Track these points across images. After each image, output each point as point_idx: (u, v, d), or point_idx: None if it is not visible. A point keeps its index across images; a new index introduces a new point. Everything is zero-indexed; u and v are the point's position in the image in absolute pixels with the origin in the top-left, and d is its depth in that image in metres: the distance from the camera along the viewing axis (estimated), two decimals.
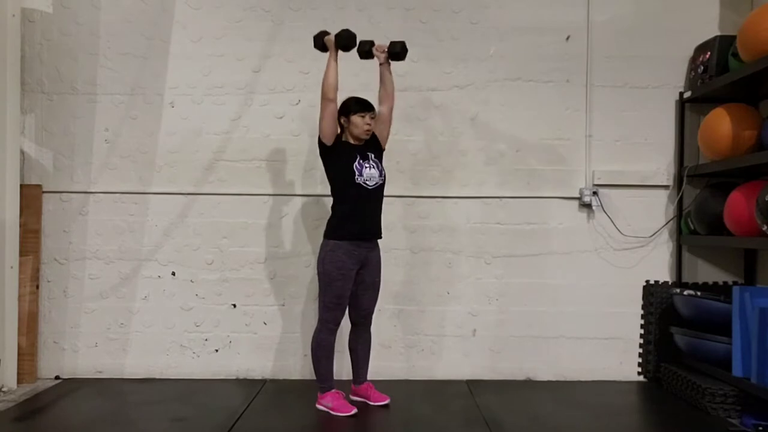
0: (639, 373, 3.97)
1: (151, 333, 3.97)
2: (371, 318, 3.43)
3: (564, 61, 3.99)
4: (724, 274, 3.99)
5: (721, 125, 3.55)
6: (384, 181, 3.33)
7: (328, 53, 3.28)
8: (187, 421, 3.17)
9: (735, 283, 3.92)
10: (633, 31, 3.99)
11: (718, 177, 3.85)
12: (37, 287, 3.92)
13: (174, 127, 3.99)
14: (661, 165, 4.00)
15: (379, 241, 3.38)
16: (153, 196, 3.99)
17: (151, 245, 3.98)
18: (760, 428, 3.04)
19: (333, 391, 3.30)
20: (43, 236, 3.95)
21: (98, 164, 3.99)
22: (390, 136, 3.45)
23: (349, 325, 3.45)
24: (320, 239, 3.31)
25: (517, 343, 3.98)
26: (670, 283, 3.96)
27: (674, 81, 3.99)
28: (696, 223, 3.79)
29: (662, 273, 3.99)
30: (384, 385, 3.54)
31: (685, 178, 3.90)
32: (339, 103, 3.28)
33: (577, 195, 3.98)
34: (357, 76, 3.94)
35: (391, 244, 3.94)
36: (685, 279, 3.96)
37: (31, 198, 3.91)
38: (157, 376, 3.95)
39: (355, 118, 3.26)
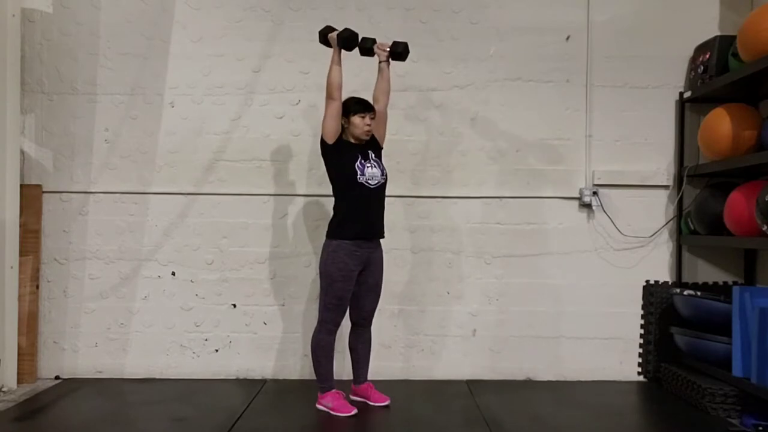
0: (639, 373, 3.97)
1: (151, 333, 3.97)
2: (372, 318, 3.43)
3: (564, 61, 3.99)
4: (724, 274, 3.99)
5: (721, 125, 3.55)
6: (386, 179, 3.33)
7: (332, 50, 3.29)
8: (187, 421, 3.17)
9: (735, 283, 3.92)
10: (633, 31, 3.99)
11: (718, 177, 3.85)
12: (37, 287, 3.92)
13: (174, 127, 3.99)
14: (661, 165, 4.00)
15: (384, 235, 3.37)
16: (153, 196, 3.99)
17: (151, 245, 3.98)
18: (760, 428, 3.04)
19: (333, 391, 3.30)
20: (43, 236, 3.95)
21: (98, 164, 3.99)
22: (390, 136, 3.46)
23: (349, 325, 3.45)
24: (321, 239, 3.31)
25: (517, 343, 3.98)
26: (670, 283, 3.96)
27: (674, 81, 3.99)
28: (696, 223, 3.79)
29: (662, 273, 3.99)
30: (384, 385, 3.54)
31: (685, 178, 3.90)
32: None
33: (577, 195, 3.98)
34: (357, 76, 3.93)
35: (391, 243, 3.94)
36: (685, 279, 3.96)
37: (31, 198, 3.91)
38: (157, 376, 3.95)
39: (355, 119, 3.26)
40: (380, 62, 3.36)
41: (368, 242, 3.27)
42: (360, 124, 3.26)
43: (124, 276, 3.97)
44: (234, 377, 3.96)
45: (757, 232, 3.23)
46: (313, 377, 3.38)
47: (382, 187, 3.30)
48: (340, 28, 3.29)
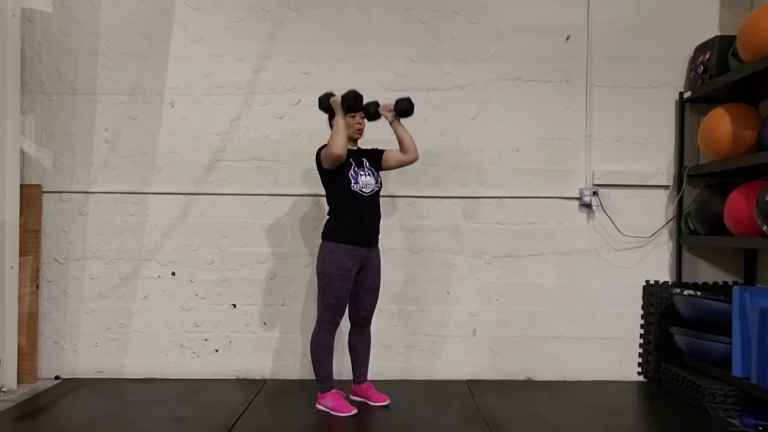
0: (639, 373, 3.97)
1: (151, 333, 3.97)
2: (371, 318, 3.43)
3: (564, 61, 3.99)
4: (724, 274, 3.99)
5: (721, 125, 3.55)
6: (380, 187, 3.34)
7: (333, 107, 3.25)
8: (187, 421, 3.17)
9: (735, 283, 3.92)
10: (633, 31, 3.99)
11: (718, 177, 3.85)
12: (37, 287, 3.92)
13: (174, 127, 3.99)
14: (661, 165, 4.00)
15: (379, 240, 3.38)
16: (153, 196, 3.99)
17: (151, 245, 3.98)
18: (760, 428, 3.04)
19: (333, 391, 3.30)
20: (43, 236, 3.96)
21: (98, 164, 3.99)
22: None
23: (349, 325, 3.45)
24: (320, 239, 3.31)
25: (517, 343, 3.98)
26: (670, 283, 3.96)
27: (674, 81, 3.99)
28: (696, 223, 3.79)
29: (662, 273, 3.99)
30: (384, 385, 3.54)
31: (685, 178, 3.90)
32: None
33: (577, 195, 3.98)
34: (357, 76, 3.95)
35: (391, 243, 3.95)
36: (685, 279, 3.96)
37: (31, 198, 3.91)
38: (157, 376, 3.95)
39: (347, 119, 3.26)
40: (390, 123, 3.36)
41: (364, 247, 3.28)
42: (351, 123, 3.27)
43: (124, 276, 3.98)
44: (234, 377, 3.96)
45: (757, 232, 3.23)
46: (313, 377, 3.38)
47: (376, 194, 3.31)
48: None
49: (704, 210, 3.71)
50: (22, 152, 3.91)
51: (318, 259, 3.27)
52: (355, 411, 3.24)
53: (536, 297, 3.98)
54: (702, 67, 3.75)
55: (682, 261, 3.97)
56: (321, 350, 3.26)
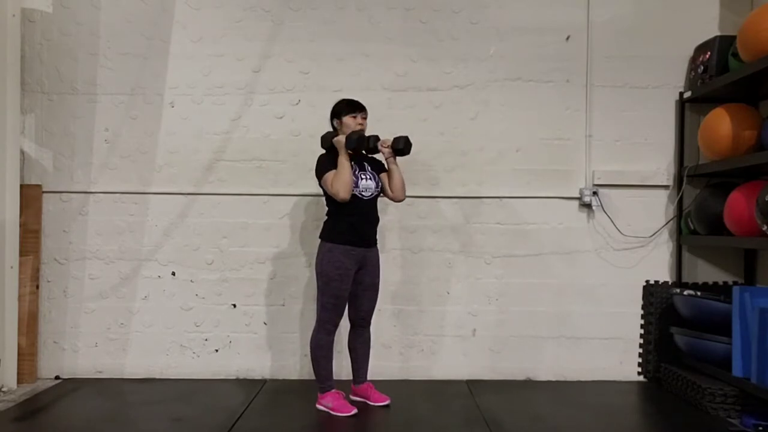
0: (639, 373, 3.97)
1: (151, 333, 3.97)
2: (371, 318, 3.43)
3: (564, 61, 3.99)
4: (724, 274, 3.99)
5: (721, 125, 3.55)
6: (380, 191, 3.34)
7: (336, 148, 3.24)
8: (187, 421, 3.17)
9: (735, 283, 3.92)
10: (633, 31, 3.99)
11: (718, 177, 3.85)
12: (37, 287, 3.92)
13: (174, 127, 3.99)
14: (661, 165, 4.00)
15: (378, 240, 3.39)
16: (153, 196, 3.99)
17: (151, 245, 3.98)
18: (760, 428, 3.04)
19: (333, 391, 3.30)
20: (43, 236, 3.96)
21: (98, 164, 3.99)
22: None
23: (349, 326, 3.45)
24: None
25: (517, 343, 3.98)
26: (670, 283, 3.96)
27: (674, 81, 3.99)
28: (696, 223, 3.78)
29: (662, 273, 3.99)
30: (384, 385, 3.54)
31: (685, 178, 3.90)
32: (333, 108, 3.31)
33: (577, 195, 3.98)
34: (357, 76, 3.95)
35: (391, 244, 3.95)
36: (685, 279, 3.96)
37: (31, 198, 3.91)
38: (157, 376, 3.95)
39: (347, 119, 3.27)
40: (386, 159, 3.36)
41: (362, 247, 3.28)
42: (352, 124, 3.27)
43: (124, 276, 3.98)
44: (234, 377, 3.96)
45: (757, 232, 3.23)
46: (313, 377, 3.38)
47: (375, 198, 3.32)
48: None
49: (704, 210, 3.70)
50: (22, 152, 3.92)
51: (317, 259, 3.27)
52: (355, 411, 3.24)
53: (536, 297, 3.98)
54: (702, 67, 3.75)
55: (682, 261, 3.97)
56: (321, 350, 3.26)
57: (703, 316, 3.54)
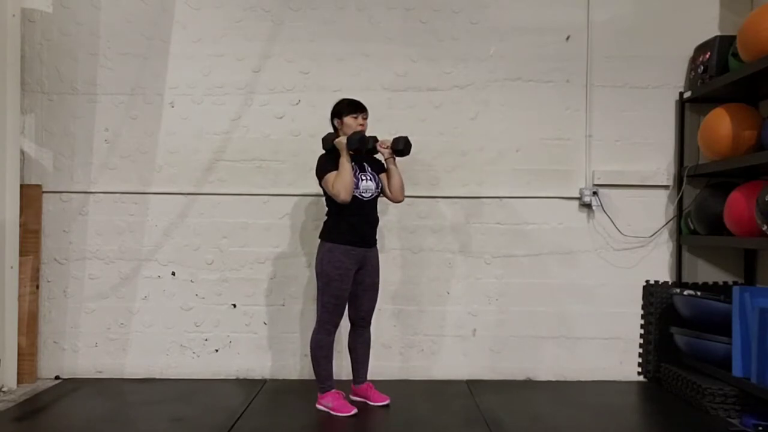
0: (639, 373, 3.97)
1: (151, 333, 3.97)
2: (371, 318, 3.43)
3: (564, 61, 3.99)
4: (724, 274, 3.99)
5: (721, 125, 3.55)
6: (380, 192, 3.34)
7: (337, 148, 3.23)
8: (187, 421, 3.17)
9: (735, 283, 3.92)
10: (633, 31, 3.99)
11: (718, 177, 3.85)
12: (37, 287, 3.92)
13: (174, 127, 3.99)
14: (661, 165, 4.00)
15: (377, 240, 3.39)
16: (153, 196, 3.99)
17: (151, 245, 3.98)
18: (760, 428, 3.04)
19: (333, 391, 3.30)
20: (43, 236, 3.96)
21: (98, 164, 3.99)
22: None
23: (349, 325, 3.45)
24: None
25: (517, 343, 3.98)
26: (670, 283, 3.96)
27: (674, 81, 3.99)
28: (696, 223, 3.78)
29: (662, 273, 3.99)
30: (384, 385, 3.54)
31: (685, 178, 3.90)
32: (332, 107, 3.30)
33: (577, 195, 3.98)
34: (357, 76, 3.95)
35: (391, 243, 3.95)
36: (685, 279, 3.96)
37: (31, 198, 3.91)
38: (157, 376, 3.95)
39: (348, 120, 3.27)
40: (385, 159, 3.36)
41: (362, 248, 3.28)
42: (353, 124, 3.27)
43: (124, 276, 3.98)
44: (234, 377, 3.96)
45: (757, 232, 3.23)
46: (313, 377, 3.38)
47: (375, 199, 3.32)
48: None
49: (704, 210, 3.70)
50: (22, 152, 3.92)
51: (317, 259, 3.28)
52: (355, 411, 3.24)
53: (536, 297, 3.98)
54: (702, 67, 3.75)
55: (682, 261, 3.97)
56: (321, 350, 3.26)
57: (703, 316, 3.54)
